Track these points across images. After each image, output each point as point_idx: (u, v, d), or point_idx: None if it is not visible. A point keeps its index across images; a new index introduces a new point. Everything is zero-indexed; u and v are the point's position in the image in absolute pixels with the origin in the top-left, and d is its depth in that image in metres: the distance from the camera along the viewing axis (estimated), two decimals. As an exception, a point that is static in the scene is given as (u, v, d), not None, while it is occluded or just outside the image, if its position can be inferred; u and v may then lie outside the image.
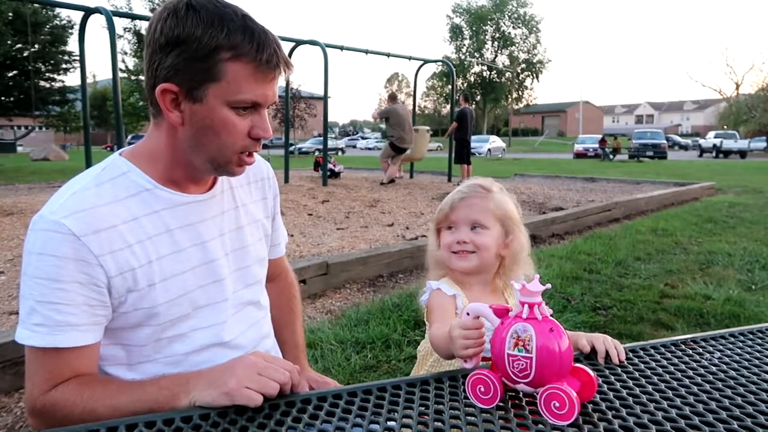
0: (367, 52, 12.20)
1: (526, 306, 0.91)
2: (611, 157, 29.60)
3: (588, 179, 13.46)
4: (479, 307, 0.99)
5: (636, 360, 1.09)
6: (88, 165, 7.68)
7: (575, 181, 13.29)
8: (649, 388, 0.96)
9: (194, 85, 0.97)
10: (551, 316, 0.92)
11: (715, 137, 37.13)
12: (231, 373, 0.93)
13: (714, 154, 34.70)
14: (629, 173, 16.81)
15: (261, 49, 0.96)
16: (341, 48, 11.56)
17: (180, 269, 1.06)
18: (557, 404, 0.85)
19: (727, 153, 34.09)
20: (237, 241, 1.18)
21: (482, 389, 0.92)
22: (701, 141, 40.62)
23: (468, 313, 1.01)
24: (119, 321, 1.03)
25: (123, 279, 0.99)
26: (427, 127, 12.59)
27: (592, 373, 0.92)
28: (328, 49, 10.74)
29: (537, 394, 0.89)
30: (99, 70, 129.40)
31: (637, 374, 1.02)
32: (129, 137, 42.82)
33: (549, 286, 0.94)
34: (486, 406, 0.92)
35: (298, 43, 11.23)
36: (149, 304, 1.02)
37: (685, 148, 50.62)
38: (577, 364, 0.94)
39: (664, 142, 32.13)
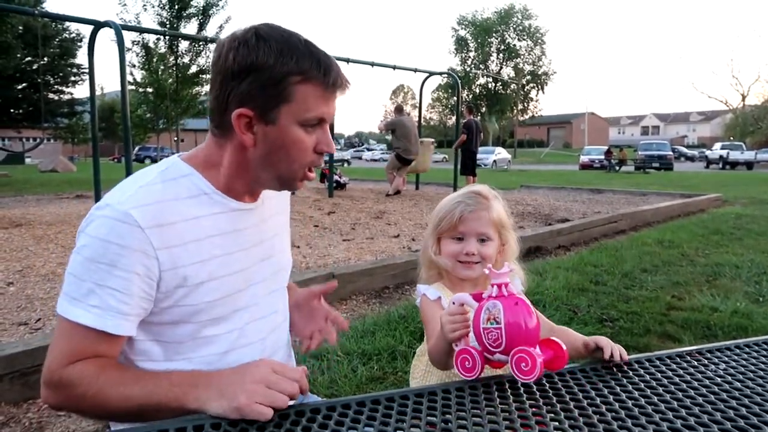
0: (372, 64, 12.27)
1: (494, 286, 1.08)
2: (617, 168, 29.57)
3: (594, 191, 13.44)
4: (462, 296, 1.15)
5: (642, 371, 1.10)
6: (97, 176, 7.75)
7: (581, 192, 13.28)
8: (655, 399, 0.97)
9: (268, 108, 1.05)
10: (518, 294, 1.09)
11: (721, 148, 37.04)
12: (241, 386, 0.95)
13: (720, 165, 34.61)
14: (635, 185, 16.78)
15: (327, 72, 1.06)
16: (347, 61, 11.63)
17: (226, 271, 1.12)
18: (524, 364, 1.01)
19: (734, 164, 33.99)
20: (270, 249, 1.26)
21: (467, 363, 1.10)
22: (707, 152, 40.52)
23: (453, 302, 1.16)
24: (161, 316, 1.07)
25: (174, 274, 1.04)
26: (432, 140, 12.64)
27: (563, 346, 1.08)
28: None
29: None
30: (107, 82, 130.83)
31: (642, 385, 1.03)
32: (136, 149, 43.18)
33: (513, 267, 1.16)
34: (470, 377, 1.09)
35: (305, 55, 11.31)
36: (194, 301, 1.07)
37: (691, 159, 50.50)
38: (554, 338, 1.11)
39: (670, 153, 32.11)
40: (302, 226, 7.25)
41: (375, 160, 50.74)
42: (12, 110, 29.52)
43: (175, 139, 29.75)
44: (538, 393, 1.01)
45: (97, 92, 8.50)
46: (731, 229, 7.82)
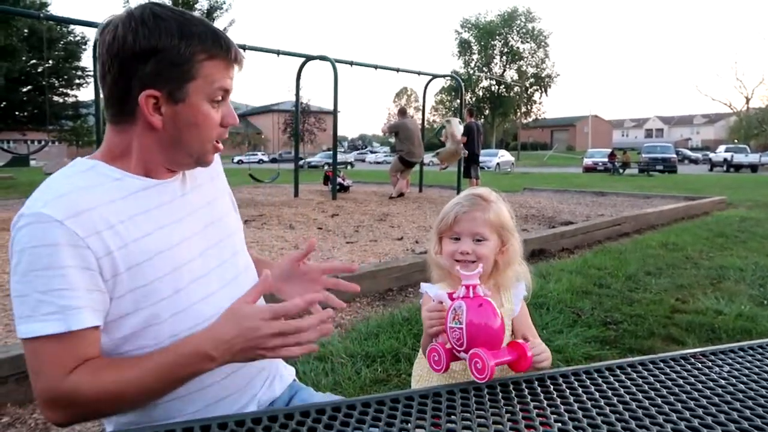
0: (376, 67, 12.31)
1: (463, 287, 1.12)
2: (620, 171, 29.52)
3: (597, 193, 13.42)
4: (441, 294, 1.22)
5: (645, 372, 1.10)
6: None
7: (584, 195, 13.27)
8: (659, 400, 0.97)
9: (175, 87, 1.06)
10: (485, 296, 1.13)
11: (725, 151, 36.92)
12: (260, 347, 0.99)
13: (725, 168, 34.51)
14: (639, 187, 16.76)
15: (228, 48, 1.10)
16: (351, 63, 11.67)
17: (167, 245, 1.10)
18: (478, 364, 1.05)
19: (738, 167, 33.89)
20: (211, 214, 1.25)
21: (435, 358, 1.16)
22: (712, 155, 40.41)
23: (433, 300, 1.24)
24: (121, 307, 1.04)
25: (111, 259, 1.01)
26: (458, 119, 12.52)
27: (529, 351, 1.12)
28: (337, 65, 10.85)
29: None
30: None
31: (646, 387, 1.03)
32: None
33: (480, 270, 1.18)
34: (436, 372, 1.16)
35: (309, 58, 11.36)
36: (144, 281, 1.05)
37: (695, 162, 50.40)
38: (520, 341, 1.15)
39: (674, 156, 32.03)
40: (306, 229, 7.26)
41: (378, 163, 50.75)
42: (17, 113, 29.63)
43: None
44: (542, 394, 1.02)
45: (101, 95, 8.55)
46: (735, 232, 7.80)
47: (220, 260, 1.22)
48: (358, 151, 65.17)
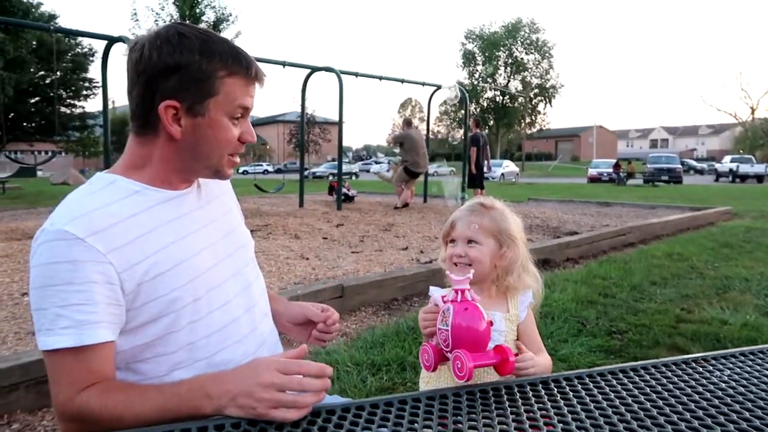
0: (381, 78, 12.38)
1: (452, 291, 1.18)
2: (625, 181, 29.49)
3: (602, 204, 13.42)
4: (437, 297, 1.28)
5: (647, 376, 1.12)
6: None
7: (589, 205, 13.26)
8: (660, 403, 1.00)
9: (196, 101, 1.12)
10: (474, 300, 1.17)
11: (731, 161, 36.84)
12: (252, 395, 0.98)
13: (730, 178, 34.44)
14: (644, 198, 16.75)
15: (249, 66, 1.15)
16: (356, 74, 11.75)
17: (186, 255, 1.14)
18: (459, 365, 1.08)
19: (744, 177, 33.81)
20: (226, 226, 1.30)
21: (426, 357, 1.22)
22: (717, 165, 40.34)
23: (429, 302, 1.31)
24: (141, 316, 1.08)
25: (132, 272, 1.05)
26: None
27: (512, 357, 1.15)
28: (343, 76, 10.93)
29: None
30: (118, 96, 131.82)
31: (648, 390, 1.05)
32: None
33: (469, 276, 1.21)
34: (427, 370, 1.24)
35: (314, 69, 11.44)
36: (164, 291, 1.08)
37: (700, 172, 50.32)
38: (505, 344, 1.19)
39: (679, 166, 31.97)
40: (311, 238, 7.29)
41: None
42: (25, 124, 29.89)
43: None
44: (546, 397, 1.04)
45: (109, 106, 8.63)
46: (741, 242, 7.79)
47: (235, 269, 1.26)
48: (362, 162, 65.34)
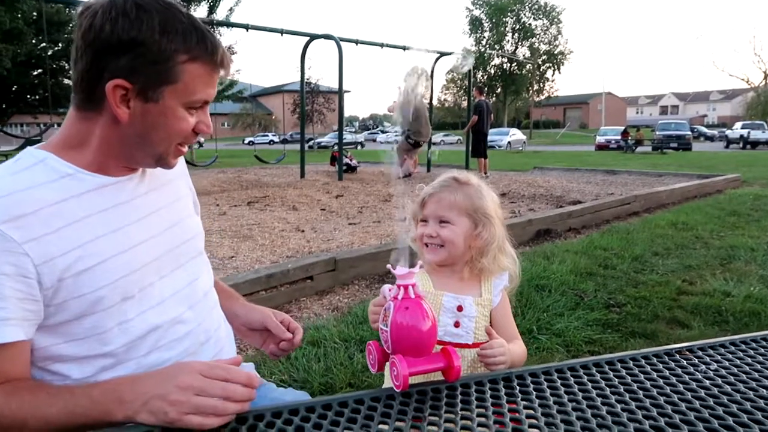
0: (382, 45, 12.12)
1: (395, 287, 1.03)
2: (633, 148, 29.09)
3: (609, 172, 13.20)
4: (384, 288, 1.18)
5: (623, 372, 1.01)
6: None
7: (595, 173, 13.06)
8: (633, 405, 0.88)
9: (150, 86, 0.98)
10: (418, 297, 1.02)
11: (742, 128, 36.18)
12: (166, 398, 0.87)
13: (741, 145, 33.83)
14: (652, 165, 16.48)
15: (214, 51, 1.01)
16: (356, 42, 11.49)
17: (119, 249, 1.02)
18: (394, 371, 0.96)
19: (755, 144, 33.19)
20: (172, 216, 1.17)
21: (370, 357, 1.09)
22: (728, 132, 39.64)
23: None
24: (61, 314, 0.97)
25: (52, 266, 0.93)
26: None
27: (457, 362, 0.98)
28: (343, 43, 10.69)
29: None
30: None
31: (622, 389, 0.93)
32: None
33: (414, 270, 1.03)
34: (372, 370, 1.10)
35: (313, 37, 11.20)
36: (89, 288, 0.97)
37: (711, 139, 49.53)
38: (450, 348, 1.02)
39: (689, 133, 31.46)
40: (309, 210, 7.20)
41: (389, 143, 50.35)
42: (28, 96, 29.73)
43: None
44: (518, 389, 0.96)
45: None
46: (749, 210, 7.61)
47: (176, 264, 1.14)
48: (368, 131, 64.87)
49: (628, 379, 0.98)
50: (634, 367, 1.02)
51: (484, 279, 1.42)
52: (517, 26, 62.39)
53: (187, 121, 1.03)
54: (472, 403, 0.91)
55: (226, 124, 67.14)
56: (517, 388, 0.97)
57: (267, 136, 54.77)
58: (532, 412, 0.88)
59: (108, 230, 1.02)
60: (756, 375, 0.97)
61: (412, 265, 1.06)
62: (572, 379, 1.00)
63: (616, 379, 0.98)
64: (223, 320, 1.28)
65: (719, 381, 0.95)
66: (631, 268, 4.68)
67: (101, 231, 1.00)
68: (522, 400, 0.92)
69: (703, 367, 1.01)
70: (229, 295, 1.38)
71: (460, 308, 1.34)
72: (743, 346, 1.11)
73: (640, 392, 0.92)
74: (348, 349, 3.05)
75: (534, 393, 0.95)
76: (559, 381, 0.99)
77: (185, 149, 1.10)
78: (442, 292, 1.37)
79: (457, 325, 1.34)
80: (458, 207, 1.37)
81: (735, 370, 1.00)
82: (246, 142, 50.24)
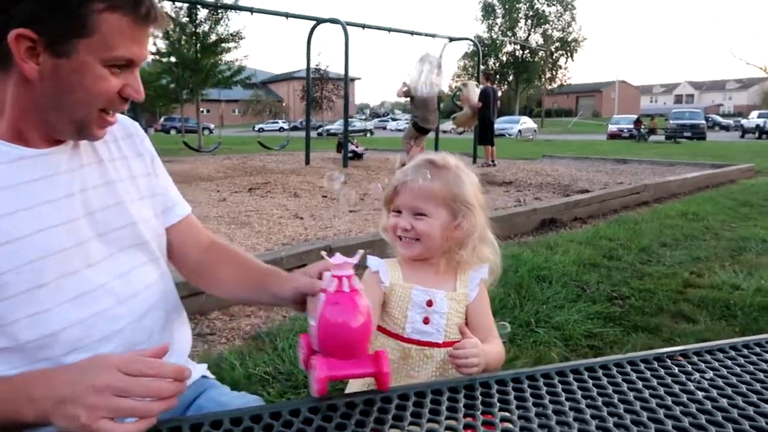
0: (389, 30, 11.93)
1: (327, 278, 0.89)
2: (646, 137, 28.68)
3: (619, 161, 12.96)
4: (326, 275, 0.99)
5: (605, 380, 0.87)
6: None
7: (605, 162, 12.82)
8: (610, 422, 0.75)
9: (59, 37, 0.85)
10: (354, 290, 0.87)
11: (758, 117, 35.59)
12: (78, 400, 0.74)
13: (757, 134, 33.23)
14: (664, 155, 16.18)
15: (138, 1, 0.88)
16: (363, 26, 11.31)
17: (27, 230, 0.89)
18: (314, 374, 0.84)
19: (771, 134, 32.64)
20: (107, 198, 1.03)
21: (302, 352, 0.94)
22: (743, 121, 38.97)
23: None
24: None
25: None
26: (476, 83, 12.10)
27: (386, 369, 0.87)
28: (349, 28, 10.51)
29: None
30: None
31: (600, 401, 0.81)
32: (162, 119, 43.23)
33: (354, 260, 0.88)
34: (302, 366, 0.94)
35: (319, 21, 11.03)
36: None
37: (726, 128, 48.73)
38: (382, 351, 0.89)
39: (703, 122, 30.95)
40: (310, 197, 7.08)
41: (399, 130, 50.17)
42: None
43: (202, 110, 29.52)
44: (497, 396, 0.83)
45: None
46: (762, 201, 7.40)
47: (107, 252, 1.01)
48: (379, 119, 64.54)
49: (596, 394, 0.85)
50: (617, 377, 0.89)
51: (460, 272, 1.29)
52: (531, 12, 61.47)
53: (108, 82, 0.90)
54: (442, 413, 0.80)
55: (236, 110, 67.08)
56: (496, 396, 0.85)
57: (277, 123, 54.64)
58: (510, 425, 0.77)
59: (18, 208, 0.89)
60: (761, 376, 0.84)
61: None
62: (544, 387, 0.87)
63: (581, 395, 0.85)
64: (179, 323, 1.14)
65: (713, 397, 0.82)
66: (637, 260, 4.53)
67: (10, 208, 0.88)
68: (499, 410, 0.81)
69: (697, 375, 0.88)
70: (263, 274, 1.16)
71: (430, 303, 1.22)
72: (745, 351, 0.97)
73: (611, 417, 0.80)
74: (337, 341, 2.93)
75: (514, 402, 0.83)
76: (544, 386, 0.88)
77: (112, 118, 0.96)
78: (412, 285, 1.24)
79: (426, 321, 1.22)
80: (435, 197, 1.23)
81: (734, 381, 0.86)
82: (256, 129, 50.14)
